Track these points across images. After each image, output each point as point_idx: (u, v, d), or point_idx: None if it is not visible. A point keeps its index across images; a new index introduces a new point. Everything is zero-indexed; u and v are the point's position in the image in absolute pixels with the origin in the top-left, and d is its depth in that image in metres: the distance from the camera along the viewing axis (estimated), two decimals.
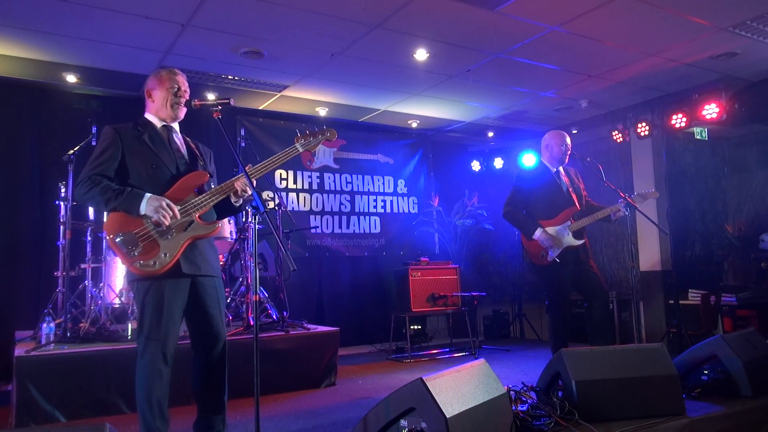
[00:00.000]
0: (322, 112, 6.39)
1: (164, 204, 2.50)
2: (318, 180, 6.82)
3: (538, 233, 4.16)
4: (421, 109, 6.48)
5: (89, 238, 4.69)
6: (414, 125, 7.11)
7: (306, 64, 5.01)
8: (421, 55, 4.83)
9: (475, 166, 7.78)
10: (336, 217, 6.88)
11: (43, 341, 3.87)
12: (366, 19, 4.19)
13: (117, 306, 4.54)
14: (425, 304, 5.96)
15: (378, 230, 7.17)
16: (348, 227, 6.96)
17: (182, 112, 2.76)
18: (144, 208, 2.48)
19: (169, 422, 2.55)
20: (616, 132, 6.36)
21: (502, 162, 7.62)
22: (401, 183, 7.45)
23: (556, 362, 2.78)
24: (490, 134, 7.56)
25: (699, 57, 5.02)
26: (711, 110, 5.51)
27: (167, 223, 2.51)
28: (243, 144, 5.16)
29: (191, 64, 4.91)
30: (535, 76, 5.43)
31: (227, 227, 4.88)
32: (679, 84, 5.68)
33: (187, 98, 2.76)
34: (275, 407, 3.86)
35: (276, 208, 5.22)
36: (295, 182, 6.66)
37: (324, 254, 6.73)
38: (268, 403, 3.93)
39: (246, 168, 2.62)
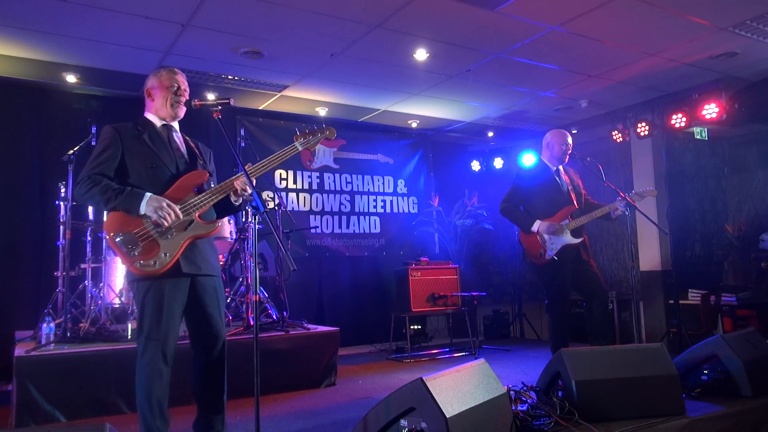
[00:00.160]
0: (322, 112, 6.39)
1: (164, 205, 2.50)
2: (318, 180, 6.82)
3: (537, 224, 4.17)
4: (421, 109, 6.48)
5: (89, 238, 4.69)
6: (414, 125, 7.11)
7: (306, 64, 5.01)
8: (421, 55, 4.83)
9: (475, 166, 7.78)
10: (336, 217, 6.88)
11: (43, 341, 3.87)
12: (366, 19, 4.19)
13: (117, 306, 4.54)
14: (425, 304, 5.96)
15: (378, 230, 7.17)
16: (348, 227, 6.96)
17: (182, 111, 2.76)
18: (144, 208, 2.48)
19: (169, 422, 2.55)
20: (616, 132, 6.36)
21: (502, 162, 7.62)
22: (401, 183, 7.45)
23: (556, 362, 2.78)
24: (490, 134, 7.56)
25: (699, 57, 5.02)
26: (711, 110, 5.51)
27: (168, 225, 2.51)
28: (243, 144, 5.16)
29: (191, 64, 4.91)
30: (535, 76, 5.43)
31: (227, 227, 4.88)
32: (679, 84, 5.68)
33: (187, 97, 2.76)
34: (275, 407, 3.86)
35: (276, 208, 5.23)
36: (295, 182, 6.66)
37: (324, 254, 6.73)
38: (268, 403, 3.93)
39: (245, 167, 2.62)
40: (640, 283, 6.41)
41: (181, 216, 2.54)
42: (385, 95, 5.96)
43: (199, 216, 2.61)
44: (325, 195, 6.84)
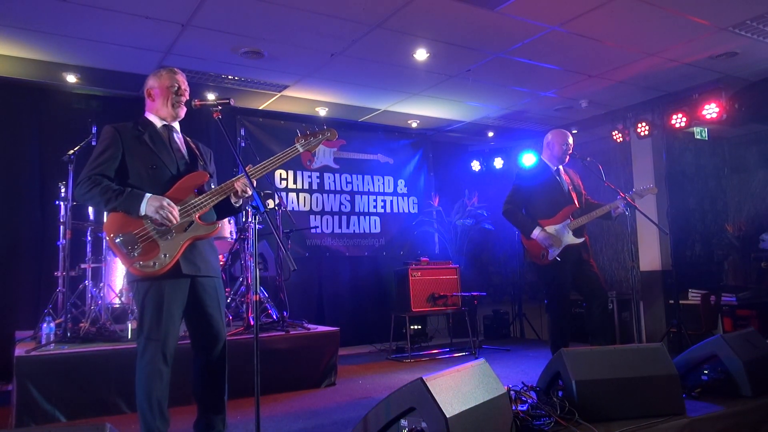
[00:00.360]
0: (322, 112, 6.39)
1: (165, 203, 2.50)
2: (318, 180, 6.82)
3: (536, 232, 4.16)
4: (421, 109, 6.48)
5: (89, 238, 4.69)
6: (414, 125, 7.11)
7: (306, 64, 5.01)
8: (421, 55, 4.83)
9: (475, 166, 7.79)
10: (336, 217, 6.89)
11: (44, 341, 3.87)
12: (366, 19, 4.19)
13: (117, 306, 4.54)
14: (425, 304, 5.96)
15: (378, 230, 7.17)
16: (348, 227, 6.96)
17: (183, 111, 2.76)
18: (144, 208, 2.48)
19: (169, 422, 2.55)
20: (616, 132, 6.36)
21: (502, 162, 7.63)
22: (401, 183, 7.45)
23: (556, 362, 2.78)
24: (490, 134, 7.56)
25: (699, 57, 5.02)
26: (711, 110, 5.51)
27: (175, 222, 2.50)
28: (243, 144, 5.16)
29: (191, 64, 4.91)
30: (535, 76, 5.43)
31: (227, 227, 4.89)
32: (679, 84, 5.68)
33: (188, 97, 2.76)
34: (275, 407, 3.86)
35: (276, 208, 5.22)
36: (295, 182, 6.66)
37: (324, 254, 6.73)
38: (268, 403, 3.93)
39: (246, 168, 2.62)
40: (640, 283, 6.41)
41: (178, 218, 2.54)
42: (385, 95, 5.96)
43: (199, 217, 2.61)
44: (325, 195, 6.84)
